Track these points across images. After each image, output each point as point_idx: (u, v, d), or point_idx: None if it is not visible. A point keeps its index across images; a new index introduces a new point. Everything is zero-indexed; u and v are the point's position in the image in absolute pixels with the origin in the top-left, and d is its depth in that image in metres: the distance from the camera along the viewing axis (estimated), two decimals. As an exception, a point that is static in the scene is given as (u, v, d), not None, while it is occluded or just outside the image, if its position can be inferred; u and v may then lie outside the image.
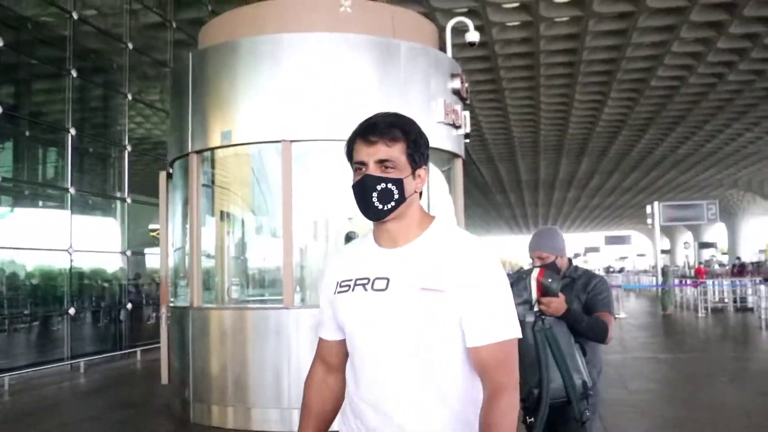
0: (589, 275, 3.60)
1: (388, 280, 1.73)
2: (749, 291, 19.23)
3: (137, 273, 14.30)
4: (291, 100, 5.91)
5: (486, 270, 1.71)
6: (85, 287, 12.30)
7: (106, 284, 13.25)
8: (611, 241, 43.67)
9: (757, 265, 35.12)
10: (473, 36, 7.82)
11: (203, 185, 6.76)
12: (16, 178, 11.90)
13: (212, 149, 6.81)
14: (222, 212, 7.50)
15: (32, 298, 11.84)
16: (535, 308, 3.11)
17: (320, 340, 1.95)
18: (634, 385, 8.31)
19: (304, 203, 6.49)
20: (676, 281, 23.21)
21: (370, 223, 1.88)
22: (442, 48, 7.70)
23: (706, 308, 19.60)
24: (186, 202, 7.00)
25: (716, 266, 43.14)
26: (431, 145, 5.56)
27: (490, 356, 1.67)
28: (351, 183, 1.76)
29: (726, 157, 40.10)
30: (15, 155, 11.78)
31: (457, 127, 6.69)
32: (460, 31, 8.59)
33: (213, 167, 7.05)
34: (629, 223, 79.98)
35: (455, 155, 7.10)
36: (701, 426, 6.28)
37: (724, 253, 62.10)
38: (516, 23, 19.59)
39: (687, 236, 63.47)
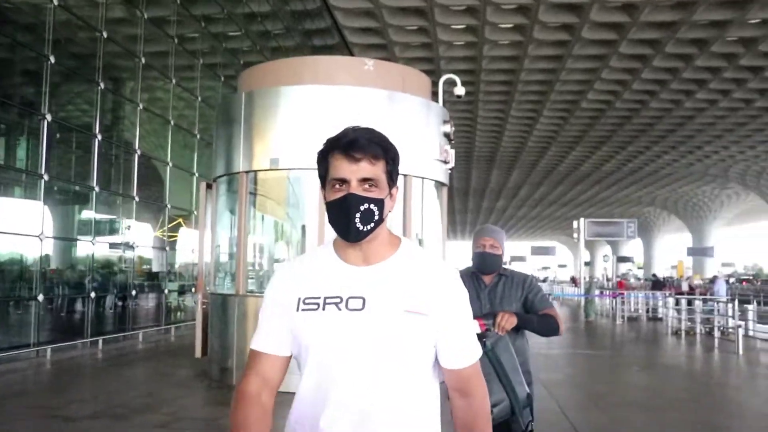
0: (520, 274, 3.69)
1: (363, 299, 1.69)
2: (660, 303, 22.25)
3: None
4: (325, 137, 7.70)
5: (460, 296, 1.77)
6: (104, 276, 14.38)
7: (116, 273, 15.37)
8: (537, 251, 46.82)
9: (672, 281, 38.80)
10: (460, 90, 9.90)
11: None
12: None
13: (257, 171, 8.69)
14: (255, 220, 9.40)
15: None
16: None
17: (258, 354, 1.81)
18: (568, 371, 10.81)
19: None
20: (598, 292, 26.23)
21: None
22: (435, 94, 9.77)
23: (623, 316, 22.58)
24: (230, 211, 8.92)
25: (632, 280, 46.91)
26: (430, 177, 7.78)
27: (468, 374, 1.77)
28: (327, 200, 1.72)
29: (645, 177, 43.86)
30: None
31: (446, 163, 8.84)
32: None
33: (255, 184, 8.88)
34: (552, 235, 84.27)
35: (443, 184, 9.23)
36: (619, 397, 8.68)
37: (640, 267, 66.99)
38: (461, 43, 21.70)
39: (606, 249, 67.96)
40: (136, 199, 14.81)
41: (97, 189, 13.21)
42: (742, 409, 8.39)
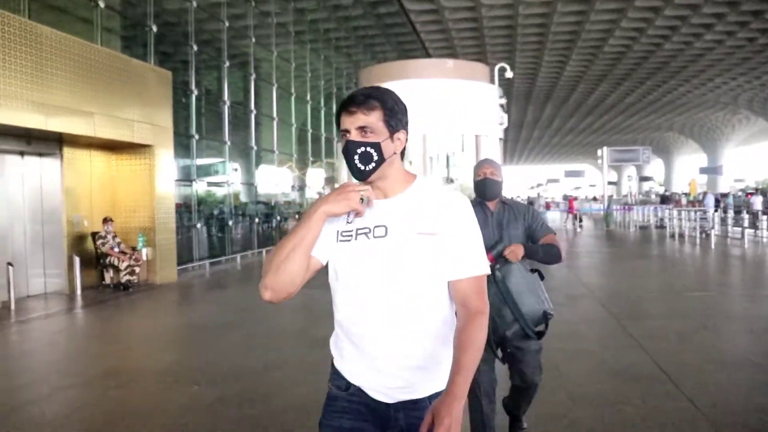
0: (522, 204, 3.68)
1: (386, 227, 1.80)
2: (665, 214, 25.01)
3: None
4: (424, 115, 10.94)
5: (466, 216, 1.84)
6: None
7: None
8: (570, 174, 48.91)
9: (682, 196, 40.91)
10: (509, 74, 12.87)
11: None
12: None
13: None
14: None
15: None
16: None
17: None
18: (588, 260, 14.39)
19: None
20: (617, 207, 29.19)
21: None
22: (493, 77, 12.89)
23: (636, 226, 25.64)
24: None
25: (653, 196, 49.08)
26: (494, 135, 11.14)
27: (469, 286, 1.80)
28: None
29: (664, 106, 45.30)
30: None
31: (502, 124, 12.03)
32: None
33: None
34: (584, 158, 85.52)
35: (501, 139, 12.45)
36: (620, 272, 12.10)
37: (661, 185, 68.68)
38: (500, 4, 23.77)
39: (632, 170, 69.65)
40: (276, 152, 18.53)
41: (255, 148, 17.10)
42: (697, 275, 11.89)
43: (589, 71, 33.78)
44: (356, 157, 1.77)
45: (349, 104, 1.79)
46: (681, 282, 10.78)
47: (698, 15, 24.27)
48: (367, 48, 27.81)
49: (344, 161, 1.82)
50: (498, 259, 3.21)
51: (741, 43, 28.32)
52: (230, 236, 15.33)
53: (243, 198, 17.38)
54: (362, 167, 1.77)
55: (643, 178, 54.17)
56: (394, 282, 1.78)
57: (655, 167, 69.42)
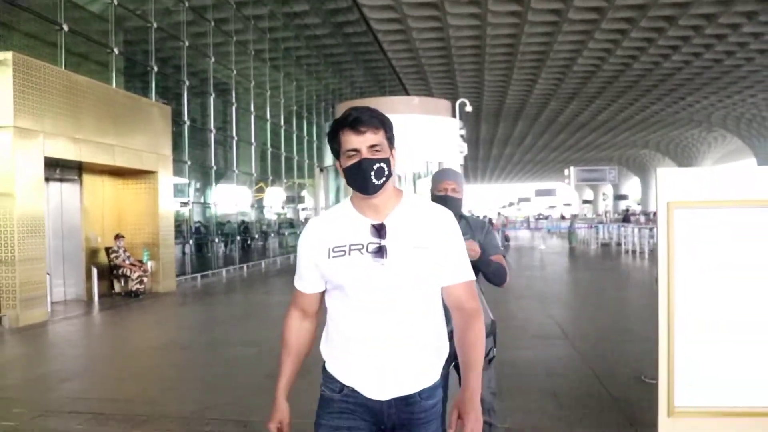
0: (479, 219, 3.97)
1: (381, 243, 2.12)
2: (622, 232, 28.84)
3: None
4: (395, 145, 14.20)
5: (451, 229, 2.20)
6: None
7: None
8: (540, 193, 52.56)
9: (640, 215, 44.93)
10: (469, 108, 16.32)
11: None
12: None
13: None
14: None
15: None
16: None
17: (299, 292, 2.33)
18: (545, 271, 18.01)
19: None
20: (580, 225, 33.11)
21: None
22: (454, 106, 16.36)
23: (598, 243, 29.60)
24: (336, 189, 15.63)
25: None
26: (455, 163, 15.20)
27: (463, 291, 2.21)
28: (343, 166, 2.14)
29: (637, 124, 49.55)
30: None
31: (462, 152, 15.51)
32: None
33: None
34: (558, 177, 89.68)
35: (461, 165, 15.94)
36: (571, 281, 15.76)
37: (639, 204, 73.14)
38: (467, 25, 26.87)
39: (609, 188, 74.00)
40: (254, 174, 22.10)
41: (236, 171, 20.73)
42: (622, 280, 15.93)
43: (560, 89, 37.40)
44: (372, 173, 2.08)
45: (359, 124, 2.09)
46: (607, 284, 14.67)
47: (664, 37, 27.55)
48: (334, 65, 31.55)
49: (346, 180, 2.17)
50: None
51: (708, 64, 31.91)
52: (217, 252, 18.70)
53: (222, 217, 20.79)
54: (377, 182, 2.09)
55: (619, 197, 58.26)
56: (392, 292, 2.11)
57: (633, 185, 74.09)
